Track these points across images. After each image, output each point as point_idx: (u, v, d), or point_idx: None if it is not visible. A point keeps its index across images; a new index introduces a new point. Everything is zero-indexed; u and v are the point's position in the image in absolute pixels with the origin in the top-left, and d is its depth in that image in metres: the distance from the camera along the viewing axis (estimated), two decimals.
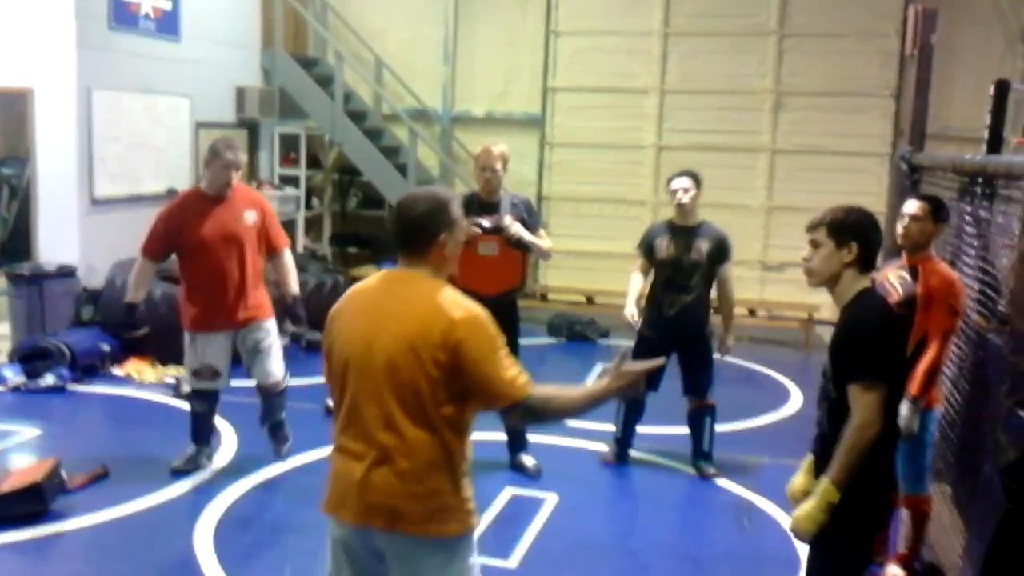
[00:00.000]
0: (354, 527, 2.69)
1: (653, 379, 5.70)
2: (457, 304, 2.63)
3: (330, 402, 6.69)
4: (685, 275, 5.53)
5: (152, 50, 8.90)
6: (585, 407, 2.79)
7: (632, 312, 5.64)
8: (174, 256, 5.39)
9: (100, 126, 8.29)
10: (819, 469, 3.01)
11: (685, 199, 5.50)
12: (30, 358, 7.08)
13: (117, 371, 7.46)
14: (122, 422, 6.58)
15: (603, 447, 6.11)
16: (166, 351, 7.54)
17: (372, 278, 2.83)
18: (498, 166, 5.37)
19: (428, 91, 11.29)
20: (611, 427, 6.37)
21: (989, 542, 3.10)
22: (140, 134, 8.82)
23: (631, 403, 5.77)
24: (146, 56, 8.82)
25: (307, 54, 11.38)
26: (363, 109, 11.01)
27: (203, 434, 5.57)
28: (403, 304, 2.65)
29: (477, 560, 2.77)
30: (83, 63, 8.06)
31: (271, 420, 5.65)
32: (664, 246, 5.58)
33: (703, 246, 5.52)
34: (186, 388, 6.84)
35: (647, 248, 5.68)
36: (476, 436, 2.80)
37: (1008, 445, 3.09)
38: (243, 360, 5.46)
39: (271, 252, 5.44)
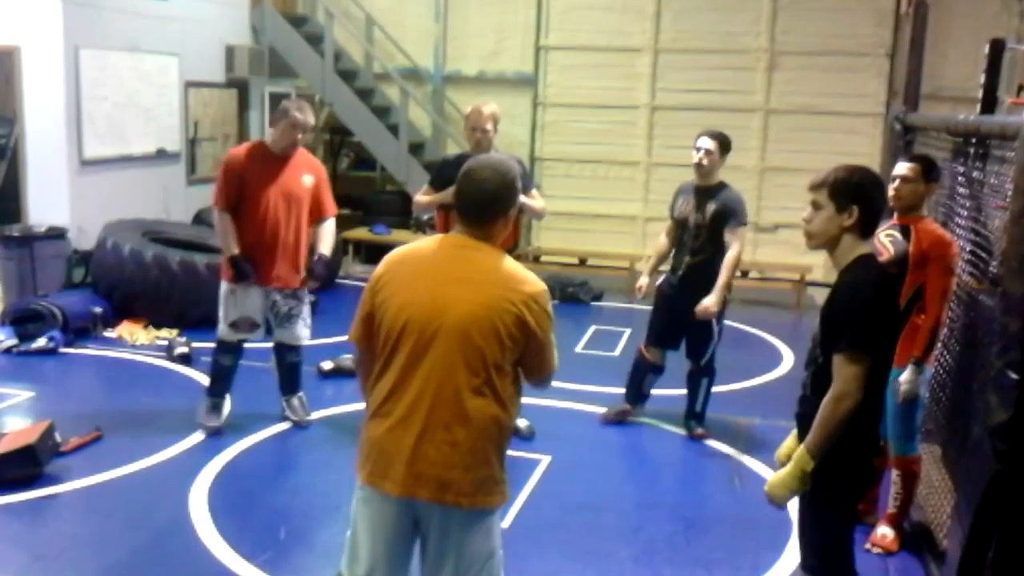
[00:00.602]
0: (396, 498, 2.65)
1: (671, 338, 5.73)
2: (529, 277, 2.68)
3: (324, 365, 6.76)
4: (690, 236, 5.53)
5: (140, 7, 8.78)
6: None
7: (641, 284, 5.66)
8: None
9: (88, 85, 8.21)
10: (800, 430, 3.03)
11: (703, 160, 5.45)
12: (21, 321, 7.05)
13: (109, 333, 7.45)
14: (115, 384, 6.57)
15: (596, 408, 6.15)
16: (158, 313, 7.54)
17: (427, 242, 2.79)
18: (488, 126, 5.32)
19: (419, 50, 11.19)
20: (603, 389, 6.42)
21: (978, 502, 3.12)
22: (128, 93, 8.74)
23: (643, 363, 5.81)
24: (134, 14, 8.71)
25: (297, 12, 11.26)
26: (354, 68, 10.91)
27: (223, 388, 5.60)
28: (477, 271, 2.65)
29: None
30: (70, 20, 7.96)
31: (288, 394, 5.70)
32: (680, 205, 5.60)
33: (710, 208, 5.47)
34: (180, 350, 6.89)
35: (672, 207, 5.70)
36: None
37: (998, 406, 3.10)
38: (270, 320, 5.51)
39: (319, 217, 5.48)
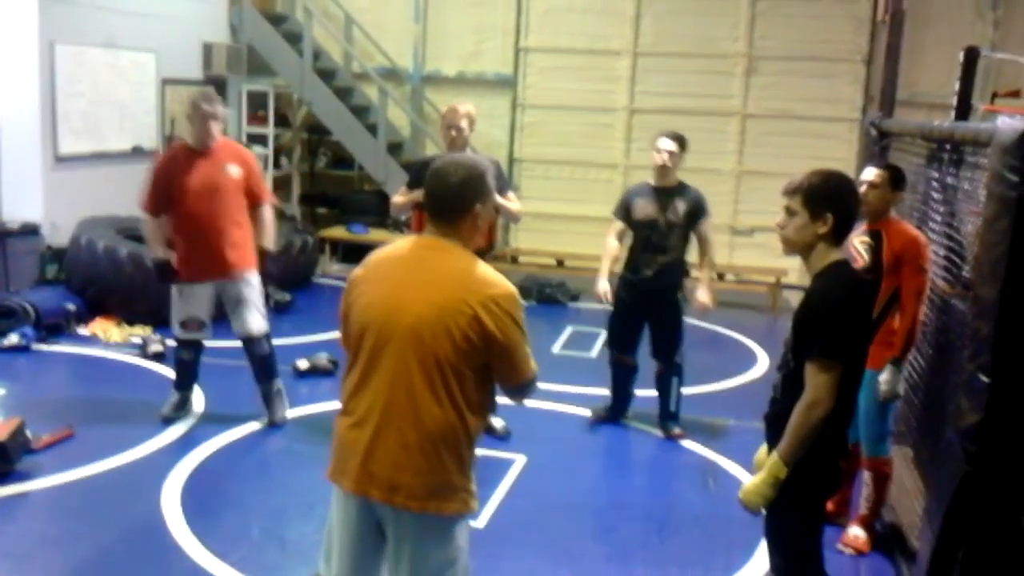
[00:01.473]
0: (355, 496, 2.65)
1: (630, 341, 5.76)
2: (493, 280, 2.61)
3: (300, 364, 6.73)
4: (663, 236, 5.55)
5: (117, 3, 8.70)
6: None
7: (604, 289, 5.65)
8: (139, 216, 5.46)
9: (63, 81, 8.12)
10: (769, 432, 3.05)
11: (667, 161, 5.50)
12: None
13: (83, 331, 7.38)
14: (88, 382, 6.52)
15: (572, 409, 6.16)
16: (132, 311, 7.48)
17: (399, 244, 2.77)
18: (464, 124, 5.32)
19: (399, 50, 11.17)
20: (580, 389, 6.43)
21: (948, 503, 3.15)
22: (104, 90, 8.66)
23: (621, 368, 5.82)
24: (110, 10, 8.63)
25: (275, 10, 11.19)
26: (332, 67, 10.87)
27: (188, 382, 5.72)
28: (435, 273, 2.60)
29: (469, 546, 2.74)
30: (45, 16, 7.87)
31: (264, 383, 5.68)
32: (642, 207, 5.59)
33: (680, 207, 5.54)
34: (154, 347, 6.84)
35: (624, 210, 5.67)
36: None
37: (969, 408, 3.14)
38: (228, 311, 5.57)
39: (252, 205, 5.52)
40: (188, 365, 5.66)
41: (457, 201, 2.65)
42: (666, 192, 5.58)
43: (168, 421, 5.55)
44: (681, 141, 5.57)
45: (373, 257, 2.78)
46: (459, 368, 2.54)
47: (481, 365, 2.58)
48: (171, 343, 6.66)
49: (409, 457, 2.56)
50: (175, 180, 5.31)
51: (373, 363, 2.61)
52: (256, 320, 5.57)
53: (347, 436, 2.66)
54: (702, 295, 5.59)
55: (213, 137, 5.33)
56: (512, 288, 2.62)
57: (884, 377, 4.14)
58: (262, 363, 5.66)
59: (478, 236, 2.72)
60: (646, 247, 5.61)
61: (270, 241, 5.61)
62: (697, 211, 5.57)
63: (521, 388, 2.71)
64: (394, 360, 2.56)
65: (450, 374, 2.54)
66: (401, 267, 2.67)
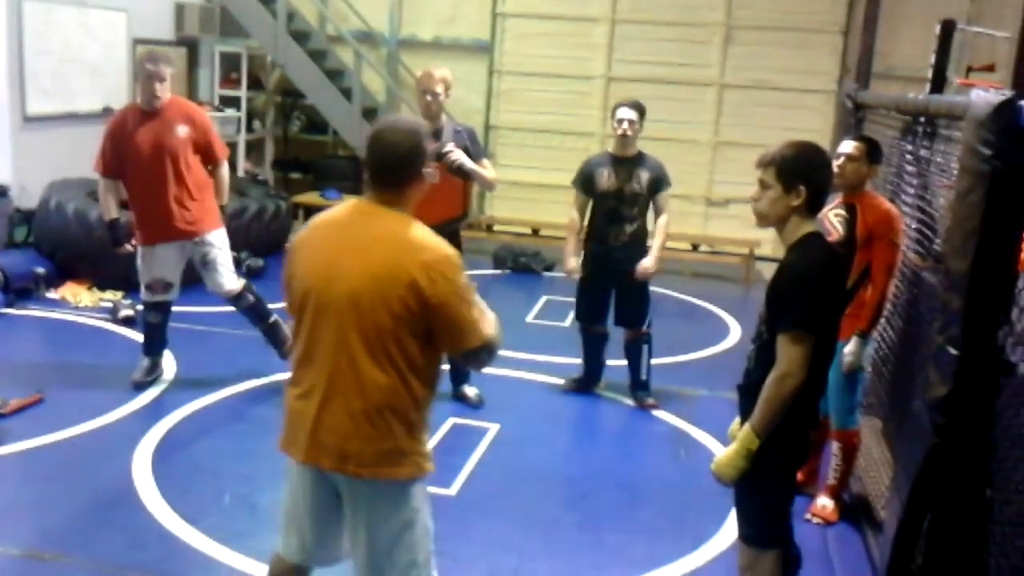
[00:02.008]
0: (307, 466, 2.66)
1: (599, 313, 5.77)
2: (429, 244, 2.56)
3: None
4: (627, 205, 5.55)
5: None
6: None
7: (574, 268, 5.67)
8: (94, 178, 5.52)
9: (31, 40, 7.97)
10: (742, 403, 3.08)
11: (627, 130, 5.49)
12: None
13: (52, 294, 7.30)
14: (58, 346, 6.46)
15: (546, 378, 6.18)
16: (102, 275, 7.40)
17: (339, 209, 2.73)
18: (439, 89, 5.26)
19: (374, 13, 11.03)
20: (553, 358, 6.45)
21: (915, 474, 3.19)
22: (74, 49, 8.51)
23: (592, 336, 5.83)
24: None
25: None
26: (307, 29, 10.72)
27: (157, 346, 5.69)
28: (374, 239, 2.56)
29: (428, 506, 2.74)
30: None
31: (259, 325, 5.72)
32: (605, 177, 5.56)
33: (644, 176, 5.54)
34: (124, 312, 6.78)
35: (585, 181, 5.64)
36: None
37: (937, 380, 3.16)
38: (200, 273, 5.59)
39: (207, 164, 5.52)
40: (156, 328, 5.63)
41: (404, 170, 2.61)
42: (628, 161, 5.57)
43: (139, 387, 5.52)
44: (640, 109, 5.56)
45: (313, 222, 2.74)
46: (399, 334, 2.51)
47: (423, 331, 2.54)
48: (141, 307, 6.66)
49: (356, 425, 2.55)
50: (125, 142, 5.28)
51: (315, 332, 2.60)
52: (227, 278, 5.56)
53: (295, 406, 2.66)
54: (647, 261, 5.56)
55: (159, 98, 5.27)
56: (450, 252, 2.57)
57: (848, 348, 4.18)
58: (250, 312, 5.69)
59: (417, 198, 2.68)
60: (611, 218, 5.58)
61: (224, 197, 5.62)
62: (659, 181, 5.58)
63: (471, 355, 2.64)
64: (334, 329, 2.55)
65: (390, 341, 2.51)
66: (339, 233, 2.64)
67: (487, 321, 2.63)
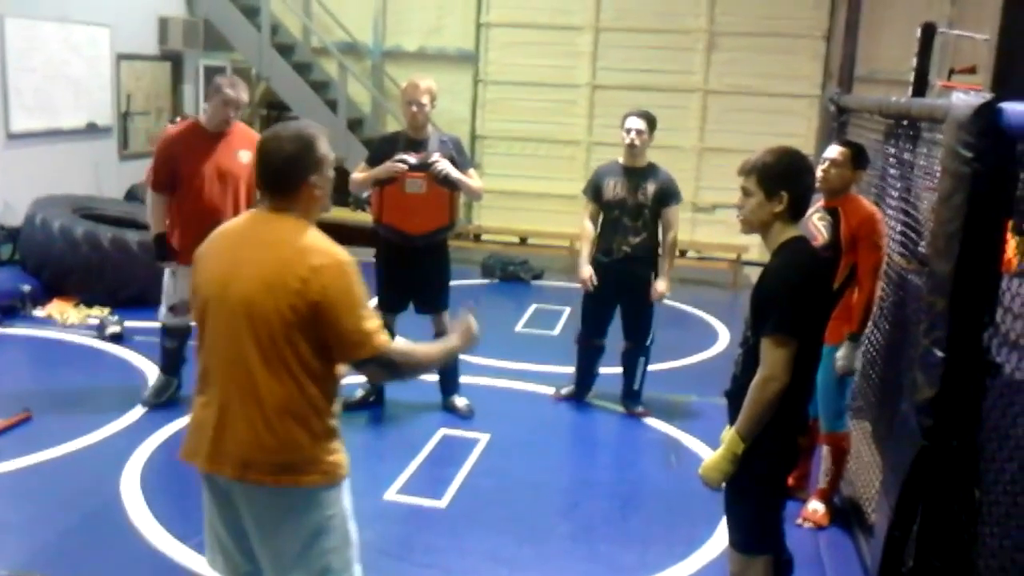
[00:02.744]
0: (212, 476, 2.63)
1: (603, 323, 5.75)
2: (320, 249, 2.52)
3: None
4: (631, 217, 5.51)
5: None
6: (439, 362, 2.93)
7: (589, 274, 5.61)
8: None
9: (14, 56, 7.95)
10: (731, 409, 3.08)
11: (635, 140, 5.45)
12: None
13: (39, 312, 7.26)
14: (45, 364, 6.42)
15: (536, 387, 6.17)
16: (89, 292, 7.37)
17: (239, 218, 2.74)
18: (424, 100, 5.27)
19: (358, 24, 11.04)
20: (543, 367, 6.44)
21: (904, 477, 3.20)
22: (57, 65, 8.49)
23: (589, 349, 5.80)
24: None
25: None
26: (291, 42, 10.72)
27: (174, 367, 5.57)
28: (264, 246, 2.55)
29: (345, 510, 2.68)
30: None
31: None
32: (612, 187, 5.53)
33: (650, 188, 5.50)
34: (111, 329, 6.74)
35: (594, 190, 5.62)
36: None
37: (924, 383, 3.17)
38: None
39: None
40: (173, 353, 5.51)
41: (291, 174, 2.56)
42: (636, 172, 5.53)
43: (151, 406, 5.43)
44: (650, 119, 5.51)
45: (214, 233, 2.74)
46: (292, 340, 2.49)
47: (316, 337, 2.51)
48: (132, 324, 6.64)
49: (255, 433, 2.52)
50: (184, 161, 5.15)
51: (214, 341, 2.60)
52: None
53: (198, 415, 2.65)
54: (660, 284, 5.54)
55: (230, 123, 5.21)
56: (342, 257, 2.53)
57: (841, 352, 4.18)
58: None
59: (320, 204, 2.63)
60: (616, 228, 5.55)
61: None
62: (666, 194, 5.53)
63: (364, 367, 2.61)
64: (230, 337, 2.54)
65: (284, 347, 2.49)
66: (234, 242, 2.63)
67: (380, 334, 2.55)
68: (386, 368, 2.61)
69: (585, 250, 5.71)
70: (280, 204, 2.59)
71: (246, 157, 5.25)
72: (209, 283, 2.62)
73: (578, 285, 5.75)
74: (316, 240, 2.55)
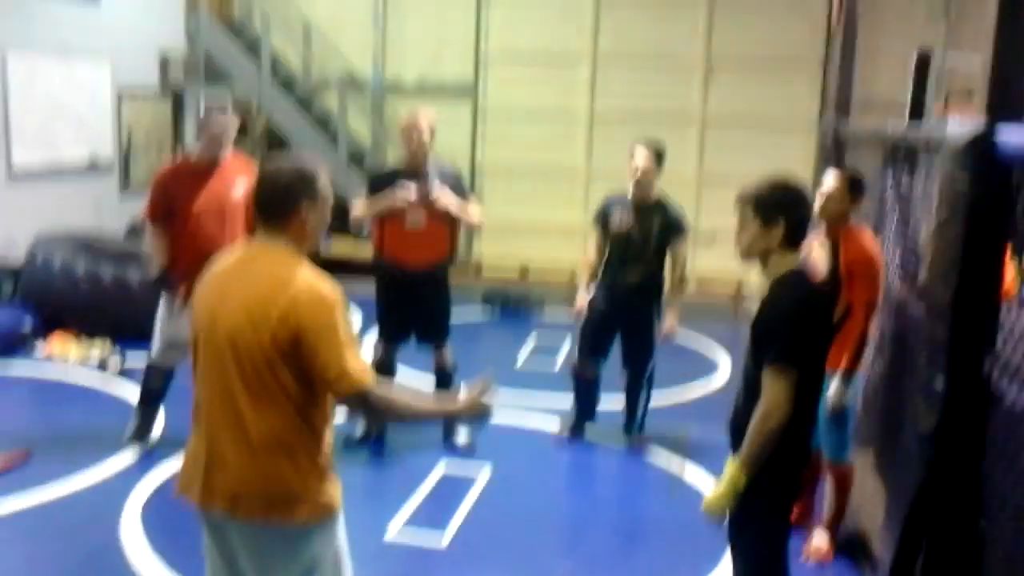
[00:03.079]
0: (203, 510, 2.63)
1: (599, 349, 5.71)
2: (304, 281, 2.50)
3: None
4: (636, 250, 5.48)
5: (71, 13, 8.58)
6: (428, 417, 2.88)
7: (581, 306, 5.60)
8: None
9: (16, 92, 7.99)
10: (733, 441, 3.05)
11: (640, 174, 5.40)
12: None
13: (40, 349, 7.25)
14: (45, 402, 6.40)
15: (537, 421, 6.14)
16: (90, 328, 7.36)
17: (233, 252, 2.74)
18: (424, 132, 5.27)
19: (358, 57, 11.10)
20: (544, 400, 6.41)
21: (907, 508, 3.17)
22: (58, 102, 8.53)
23: (583, 380, 5.75)
24: (65, 19, 8.51)
25: (233, 19, 11.09)
26: (291, 76, 10.79)
27: (152, 412, 5.46)
28: (250, 278, 2.54)
29: (339, 548, 2.66)
30: None
31: None
32: (618, 219, 5.51)
33: (655, 222, 5.46)
34: (113, 365, 6.72)
35: (602, 219, 5.59)
36: None
37: (926, 412, 3.15)
38: None
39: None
40: (155, 394, 5.42)
41: (284, 202, 2.56)
42: (644, 206, 5.49)
43: (132, 446, 5.37)
44: (657, 151, 5.44)
45: (211, 266, 2.74)
46: (276, 372, 2.47)
47: (300, 369, 2.48)
48: (133, 361, 6.61)
49: (243, 469, 2.51)
50: (180, 195, 5.11)
51: (205, 375, 2.59)
52: None
53: (192, 449, 2.65)
54: (668, 322, 5.51)
55: (222, 154, 5.19)
56: (325, 290, 2.50)
57: (832, 389, 4.14)
58: None
59: (313, 238, 2.63)
60: (621, 260, 5.52)
61: None
62: (672, 229, 5.48)
63: (345, 404, 2.56)
64: (217, 370, 2.53)
65: (270, 381, 2.48)
66: (226, 276, 2.63)
67: (361, 371, 2.51)
68: (363, 407, 2.58)
69: (584, 278, 5.70)
70: (271, 231, 2.59)
71: (242, 187, 5.22)
72: (200, 317, 2.62)
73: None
74: (302, 273, 2.53)
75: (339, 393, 2.51)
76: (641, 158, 5.41)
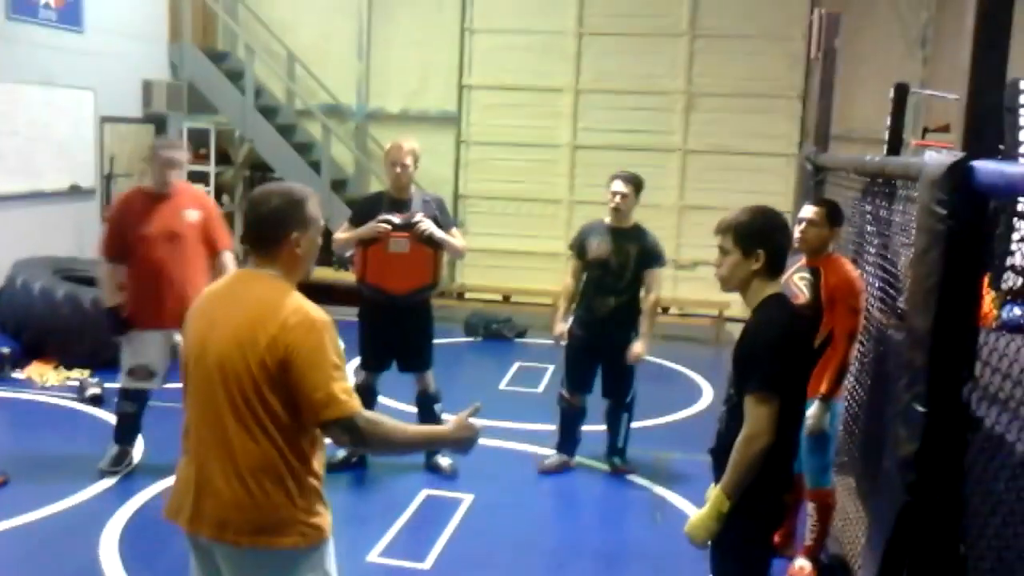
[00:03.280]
0: (191, 535, 2.62)
1: (585, 380, 5.72)
2: (293, 307, 2.51)
3: None
4: (614, 277, 5.51)
5: (54, 41, 8.60)
6: (415, 446, 2.88)
7: (560, 332, 5.64)
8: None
9: None
10: (715, 465, 3.07)
11: (620, 203, 5.47)
12: None
13: (18, 374, 7.19)
14: (23, 427, 6.35)
15: (520, 445, 6.14)
16: (69, 354, 7.31)
17: (226, 277, 2.76)
18: (408, 161, 5.32)
19: (342, 87, 11.17)
20: (527, 426, 6.41)
21: (889, 533, 3.19)
22: (41, 128, 8.52)
23: (571, 410, 5.75)
24: (47, 47, 8.52)
25: (216, 48, 11.14)
26: (275, 104, 10.83)
27: (128, 436, 5.47)
28: (239, 305, 2.56)
29: (328, 573, 2.65)
30: None
31: None
32: (595, 246, 5.55)
33: (633, 249, 5.51)
34: (91, 391, 6.69)
35: (580, 247, 5.64)
36: None
37: (906, 438, 3.18)
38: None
39: (212, 252, 5.39)
40: (130, 418, 5.41)
41: (272, 230, 2.58)
42: (621, 233, 5.55)
43: (106, 475, 5.32)
44: (635, 182, 5.51)
45: (205, 291, 2.77)
46: (264, 398, 2.47)
47: (287, 394, 2.49)
48: (112, 386, 6.55)
49: (232, 493, 2.51)
50: (132, 226, 5.18)
51: (194, 401, 2.60)
52: None
53: (181, 474, 2.65)
54: (638, 347, 5.51)
55: (172, 184, 5.25)
56: (314, 316, 2.50)
57: (810, 412, 4.17)
58: None
59: (304, 265, 2.65)
60: (599, 288, 5.56)
61: None
62: (650, 256, 5.53)
63: (329, 430, 2.51)
64: (206, 397, 2.54)
65: (258, 406, 2.48)
66: (217, 302, 2.64)
67: (348, 398, 2.48)
68: (349, 433, 2.50)
69: (562, 307, 5.72)
70: (261, 259, 2.60)
71: (194, 216, 5.30)
72: (190, 343, 2.64)
73: (561, 342, 5.75)
74: (290, 299, 2.54)
75: (326, 418, 2.47)
76: (619, 188, 5.49)
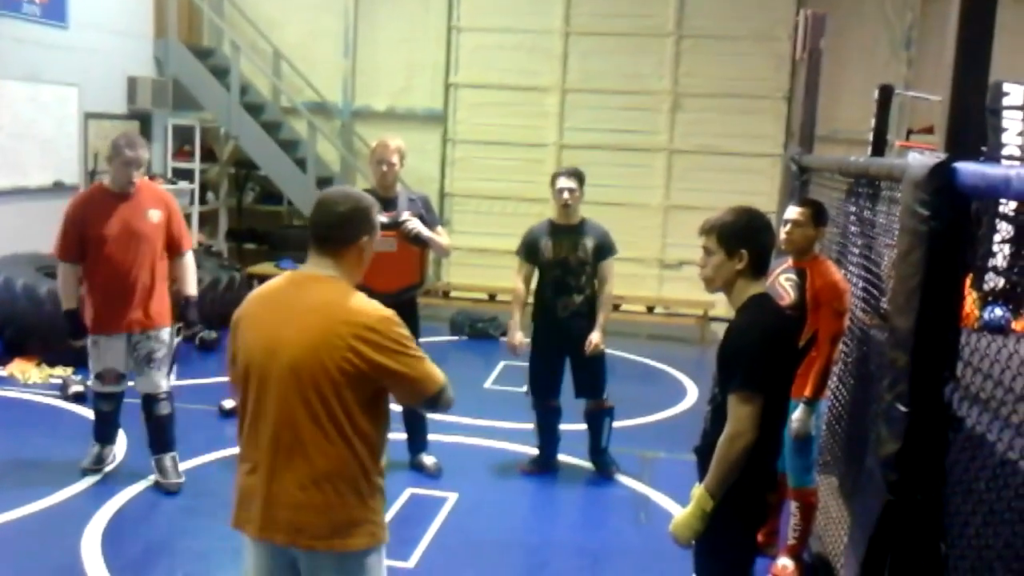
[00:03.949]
0: (262, 542, 2.62)
1: (553, 384, 5.71)
2: (365, 308, 2.57)
3: (226, 403, 6.59)
4: (574, 275, 5.51)
5: (37, 36, 8.55)
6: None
7: (520, 342, 5.57)
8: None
9: None
10: (700, 465, 3.09)
11: (570, 199, 5.47)
12: None
13: (0, 372, 7.15)
14: (5, 425, 6.30)
15: (504, 444, 6.14)
16: (51, 351, 7.26)
17: (278, 279, 2.74)
18: (394, 159, 5.30)
19: (328, 84, 11.14)
20: (512, 424, 6.41)
21: (871, 531, 3.21)
22: (25, 124, 8.47)
23: (546, 412, 5.73)
24: (31, 42, 8.47)
25: (202, 44, 11.10)
26: (260, 102, 10.80)
27: (109, 433, 5.42)
28: (309, 308, 2.56)
29: (384, 573, 2.71)
30: None
31: (158, 454, 5.27)
32: (550, 247, 5.53)
33: (588, 243, 5.51)
34: (74, 388, 6.65)
35: (530, 251, 5.60)
36: None
37: (888, 437, 3.20)
38: (131, 366, 5.24)
39: (174, 252, 5.25)
40: (108, 416, 5.36)
41: (342, 232, 2.63)
42: (572, 229, 5.54)
43: (88, 474, 5.28)
44: (580, 177, 5.53)
45: (252, 295, 2.75)
46: (343, 402, 2.51)
47: (371, 395, 2.56)
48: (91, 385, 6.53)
49: (307, 497, 2.53)
50: (91, 226, 5.00)
51: (259, 406, 2.59)
52: (162, 379, 5.24)
53: (245, 483, 2.64)
54: (595, 336, 5.46)
55: (134, 183, 5.05)
56: (386, 313, 2.59)
57: (795, 416, 4.19)
58: (160, 426, 5.26)
59: (362, 269, 2.70)
60: (558, 288, 5.51)
61: (192, 288, 5.31)
62: (603, 248, 5.53)
63: (433, 402, 2.68)
64: (277, 401, 2.54)
65: (336, 408, 2.51)
66: (276, 304, 2.64)
67: (436, 368, 2.65)
68: (443, 398, 2.66)
69: (517, 314, 5.61)
70: (325, 261, 2.63)
71: (156, 216, 5.13)
72: (251, 350, 2.61)
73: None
74: (358, 301, 2.60)
75: (431, 392, 2.62)
76: (567, 184, 5.48)
